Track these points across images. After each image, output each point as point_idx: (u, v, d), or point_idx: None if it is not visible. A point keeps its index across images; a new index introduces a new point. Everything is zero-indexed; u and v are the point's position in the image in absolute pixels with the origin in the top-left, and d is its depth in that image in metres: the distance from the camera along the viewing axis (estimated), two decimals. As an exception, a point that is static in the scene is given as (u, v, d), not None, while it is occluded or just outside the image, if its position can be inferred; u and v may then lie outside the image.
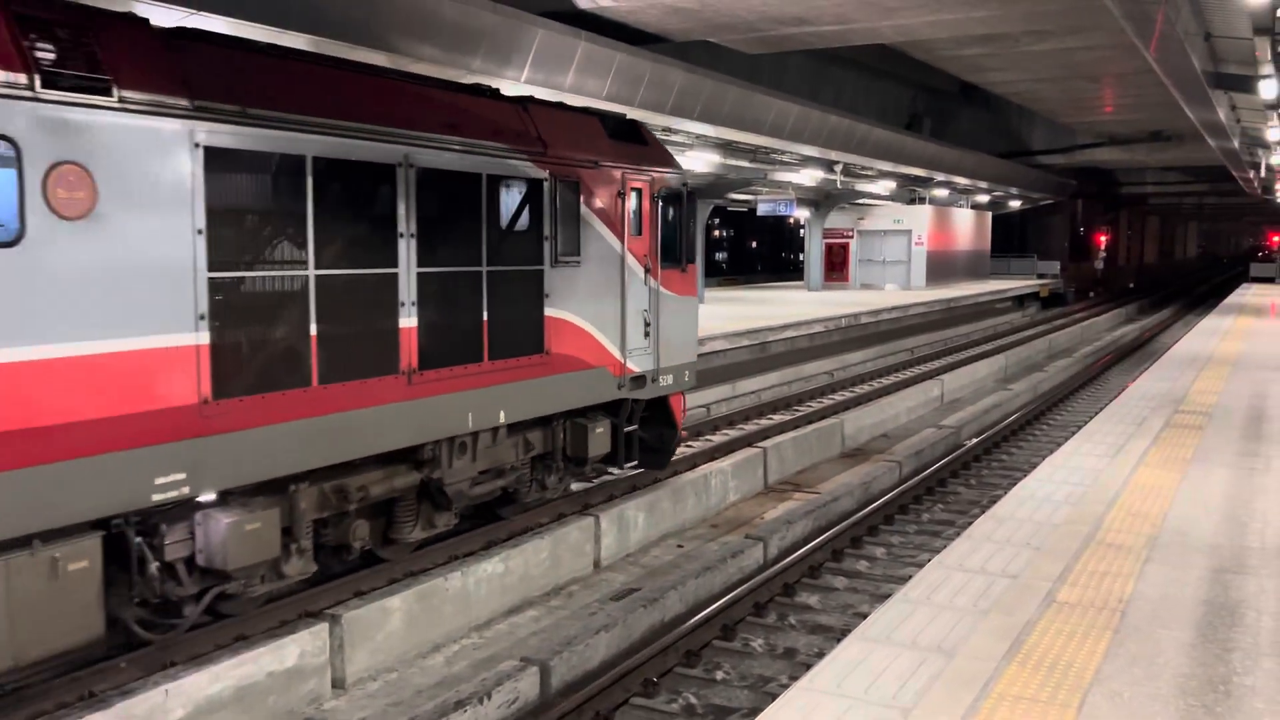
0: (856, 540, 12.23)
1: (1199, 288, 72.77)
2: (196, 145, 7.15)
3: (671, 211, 12.35)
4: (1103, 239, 66.30)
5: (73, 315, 6.50)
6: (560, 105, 11.62)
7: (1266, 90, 19.22)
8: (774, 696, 8.11)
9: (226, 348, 7.38)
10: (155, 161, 6.94)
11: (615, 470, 12.23)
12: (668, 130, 22.70)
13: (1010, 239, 63.82)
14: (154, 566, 7.30)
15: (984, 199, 52.33)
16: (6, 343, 6.17)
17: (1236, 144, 33.26)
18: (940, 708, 5.21)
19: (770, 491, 14.60)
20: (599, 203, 11.18)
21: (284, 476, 7.98)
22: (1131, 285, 68.86)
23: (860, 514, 12.83)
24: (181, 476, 7.14)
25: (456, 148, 9.30)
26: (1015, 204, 56.75)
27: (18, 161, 6.25)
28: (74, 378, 6.51)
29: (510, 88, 13.62)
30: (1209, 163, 48.77)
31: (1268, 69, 18.18)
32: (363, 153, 8.38)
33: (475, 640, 9.18)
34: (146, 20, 7.34)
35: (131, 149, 6.80)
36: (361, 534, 9.18)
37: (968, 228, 51.79)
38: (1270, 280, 57.52)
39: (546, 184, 10.41)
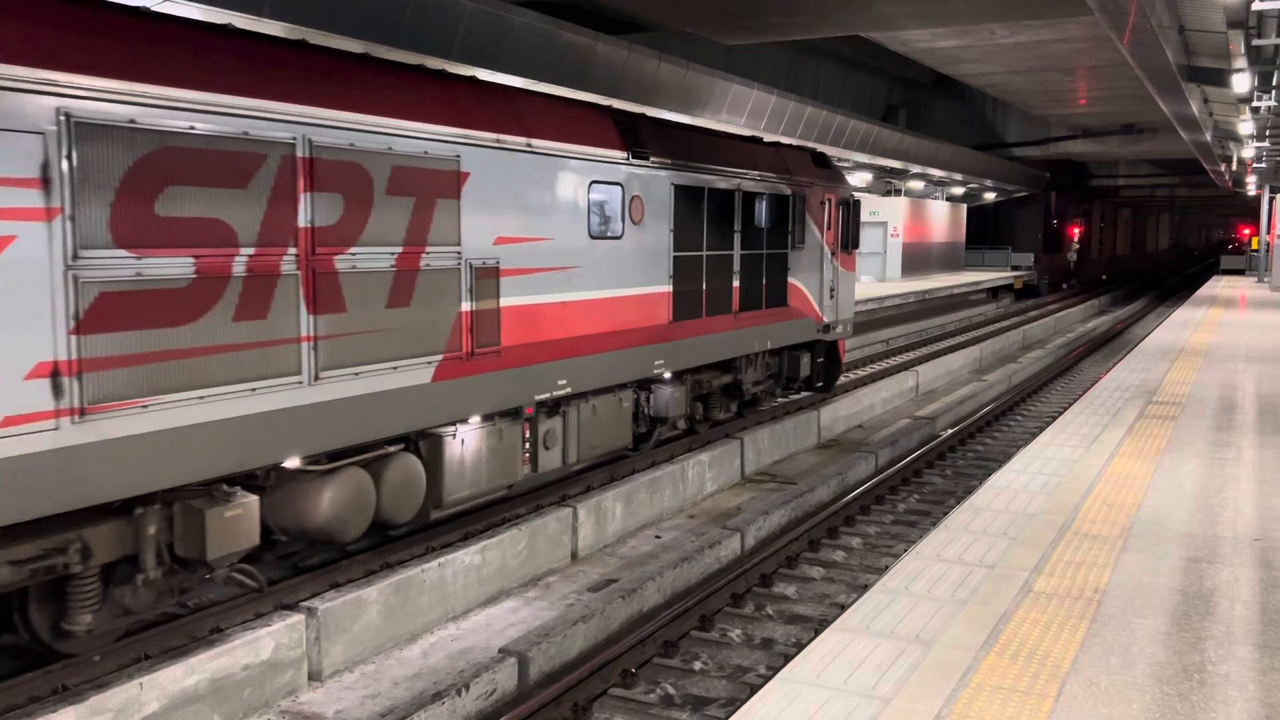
0: (833, 531, 12.27)
1: (1171, 280, 73.44)
2: (671, 184, 12.97)
3: (843, 213, 17.81)
4: (1076, 231, 66.74)
5: (635, 274, 12.35)
6: (792, 145, 17.87)
7: (1239, 84, 19.34)
8: (752, 686, 8.14)
9: (678, 293, 13.22)
10: (661, 192, 12.82)
11: (798, 393, 18.26)
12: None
13: (984, 231, 64.15)
14: (646, 407, 13.44)
15: (959, 191, 52.59)
16: (618, 287, 12.02)
17: (1209, 137, 33.51)
18: (920, 697, 5.23)
19: (747, 482, 14.63)
20: (811, 208, 16.73)
21: (691, 368, 13.86)
22: (1104, 277, 69.38)
23: (837, 505, 12.88)
24: (662, 362, 12.97)
25: (756, 177, 14.99)
26: (990, 196, 57.05)
27: (622, 195, 12.02)
28: (635, 305, 12.34)
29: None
30: (1181, 156, 49.20)
31: (1241, 63, 18.29)
32: (716, 183, 14.02)
33: (452, 631, 9.15)
34: (654, 119, 13.81)
35: (653, 187, 12.64)
36: (698, 411, 14.78)
37: (942, 220, 52.03)
38: (1241, 272, 58.09)
39: (791, 197, 16.01)
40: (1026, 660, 5.68)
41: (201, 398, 7.31)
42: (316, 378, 8.14)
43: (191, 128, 7.21)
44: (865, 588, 10.28)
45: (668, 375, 13.21)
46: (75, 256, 6.52)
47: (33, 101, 6.27)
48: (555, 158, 10.87)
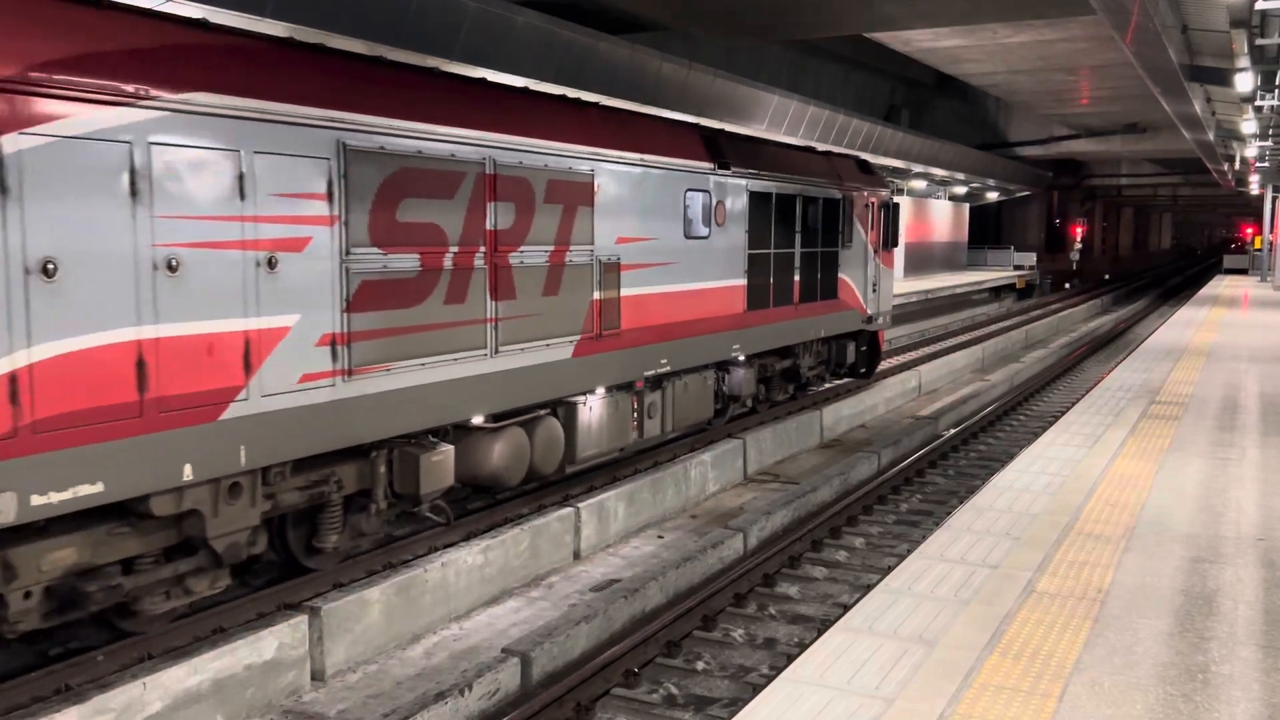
0: (836, 530, 12.27)
1: (1173, 279, 73.34)
2: (746, 190, 14.75)
3: (884, 215, 19.54)
4: (1078, 230, 66.67)
5: (718, 269, 14.08)
6: (842, 154, 19.48)
7: (1242, 83, 19.31)
8: (755, 686, 8.13)
9: (751, 286, 14.94)
10: (738, 198, 14.55)
11: (844, 379, 20.01)
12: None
13: (986, 230, 64.11)
14: (723, 385, 15.15)
15: (961, 191, 52.54)
16: (705, 280, 13.73)
17: (1211, 136, 33.47)
18: (923, 698, 5.23)
19: (750, 481, 14.62)
20: (857, 210, 18.39)
21: (760, 352, 15.69)
22: (1107, 276, 69.30)
23: (839, 504, 12.87)
24: (738, 346, 14.71)
25: (813, 183, 16.73)
26: (992, 196, 57.00)
27: (710, 200, 13.81)
28: (718, 296, 14.11)
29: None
30: (1184, 155, 49.16)
31: (1244, 62, 18.26)
32: (782, 189, 15.71)
33: (455, 631, 9.15)
34: (731, 133, 15.79)
35: (732, 193, 14.40)
36: (761, 392, 16.41)
37: (945, 219, 52.01)
38: (1243, 272, 58.02)
39: (841, 201, 17.69)
40: (1030, 660, 5.68)
41: (423, 364, 9.19)
42: (496, 351, 10.10)
43: (419, 151, 9.06)
44: (868, 588, 10.28)
45: (741, 358, 15.15)
46: (347, 253, 8.41)
47: (323, 134, 8.14)
48: (660, 170, 12.75)
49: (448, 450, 9.61)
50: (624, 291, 12.06)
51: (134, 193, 6.80)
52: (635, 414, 12.74)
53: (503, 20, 16.57)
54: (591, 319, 11.49)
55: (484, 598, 9.72)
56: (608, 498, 11.58)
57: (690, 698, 8.15)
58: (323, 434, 8.24)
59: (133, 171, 6.79)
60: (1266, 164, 38.30)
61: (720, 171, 14.02)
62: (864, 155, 27.73)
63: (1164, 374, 16.63)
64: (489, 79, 11.60)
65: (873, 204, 19.04)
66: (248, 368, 7.61)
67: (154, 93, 6.91)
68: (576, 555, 11.08)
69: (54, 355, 6.42)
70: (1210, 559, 7.43)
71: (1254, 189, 51.67)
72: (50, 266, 6.36)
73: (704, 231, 13.69)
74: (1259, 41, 17.07)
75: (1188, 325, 25.25)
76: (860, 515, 12.99)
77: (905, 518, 13.13)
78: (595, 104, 12.56)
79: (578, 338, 11.28)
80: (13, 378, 6.18)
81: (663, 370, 12.99)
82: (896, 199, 20.06)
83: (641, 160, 12.33)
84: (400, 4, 14.56)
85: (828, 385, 19.20)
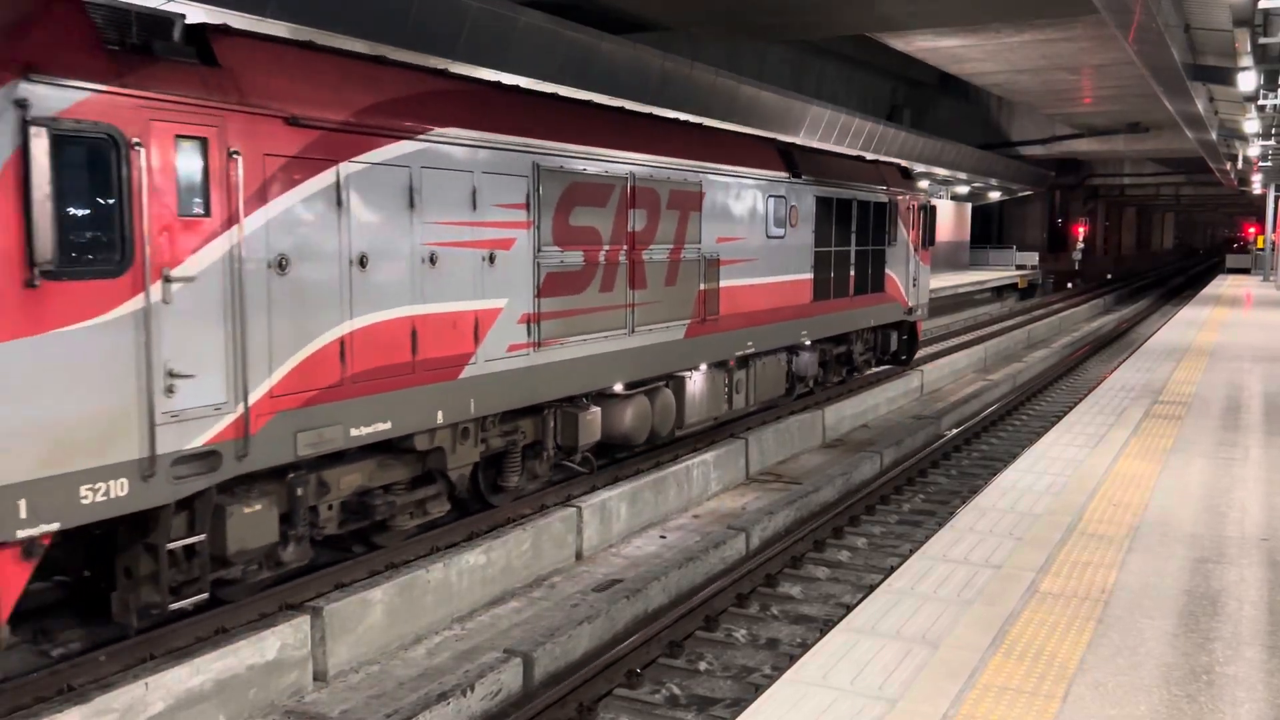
0: (838, 530, 12.26)
1: (1175, 279, 73.26)
2: (813, 196, 16.64)
3: (922, 216, 21.59)
4: (1080, 230, 66.59)
5: (791, 264, 16.07)
6: (888, 162, 21.59)
7: (1245, 82, 19.28)
8: (757, 687, 8.12)
9: (816, 280, 16.90)
10: (807, 202, 16.53)
11: (887, 365, 21.81)
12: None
13: (988, 230, 64.04)
14: (792, 367, 16.93)
15: (964, 190, 52.49)
16: (781, 274, 15.65)
17: (1214, 136, 33.44)
18: (926, 699, 5.22)
19: (752, 482, 14.61)
20: (900, 212, 20.29)
21: (822, 338, 17.57)
22: (1109, 276, 69.22)
23: (842, 504, 12.86)
24: (806, 332, 16.66)
25: (865, 188, 18.62)
26: (994, 195, 56.93)
27: (785, 205, 15.79)
28: (790, 288, 16.07)
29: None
30: (1186, 154, 49.10)
31: (1247, 61, 18.24)
32: (840, 194, 17.67)
33: (457, 632, 9.15)
34: (801, 146, 18.14)
35: (802, 199, 16.36)
36: (819, 375, 17.92)
37: (947, 219, 51.94)
38: (1245, 271, 57.95)
39: (887, 204, 19.59)
40: (1033, 661, 5.67)
41: (584, 340, 11.39)
42: (633, 331, 12.29)
43: (584, 169, 11.27)
44: (871, 588, 10.26)
45: (808, 343, 17.06)
46: (538, 250, 10.61)
47: (523, 158, 10.32)
48: (749, 180, 14.81)
49: (597, 411, 11.91)
50: (721, 283, 14.19)
51: (411, 204, 8.99)
52: (727, 388, 14.84)
53: (504, 20, 16.57)
54: (698, 306, 13.67)
55: (486, 598, 9.71)
56: (610, 498, 11.57)
57: (693, 698, 8.14)
58: (521, 392, 10.51)
59: (410, 189, 8.97)
60: (1269, 163, 38.24)
61: (793, 180, 16.08)
62: (873, 157, 27.77)
63: (1167, 374, 16.61)
64: (628, 108, 14.41)
65: (913, 206, 21.09)
66: (476, 338, 9.87)
67: (423, 129, 9.11)
68: (579, 555, 11.07)
69: (364, 325, 8.59)
70: (1214, 559, 7.41)
71: (1256, 188, 51.61)
72: (364, 259, 8.53)
73: (780, 232, 15.74)
74: (1262, 40, 17.03)
75: (1190, 325, 25.23)
76: (862, 515, 12.98)
77: (907, 518, 13.12)
78: (699, 124, 14.82)
79: (688, 321, 13.48)
80: (341, 342, 8.38)
81: (748, 351, 15.06)
82: (933, 202, 22.31)
83: (735, 172, 14.41)
84: (401, 4, 14.55)
85: (872, 370, 21.06)
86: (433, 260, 9.22)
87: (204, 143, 7.29)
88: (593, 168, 11.37)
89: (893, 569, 10.74)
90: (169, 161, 7.05)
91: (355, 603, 8.37)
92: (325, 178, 8.19)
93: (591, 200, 11.40)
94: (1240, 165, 42.25)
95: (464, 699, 7.48)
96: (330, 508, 8.92)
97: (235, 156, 7.48)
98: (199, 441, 7.31)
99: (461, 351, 9.66)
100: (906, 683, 5.39)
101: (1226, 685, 5.44)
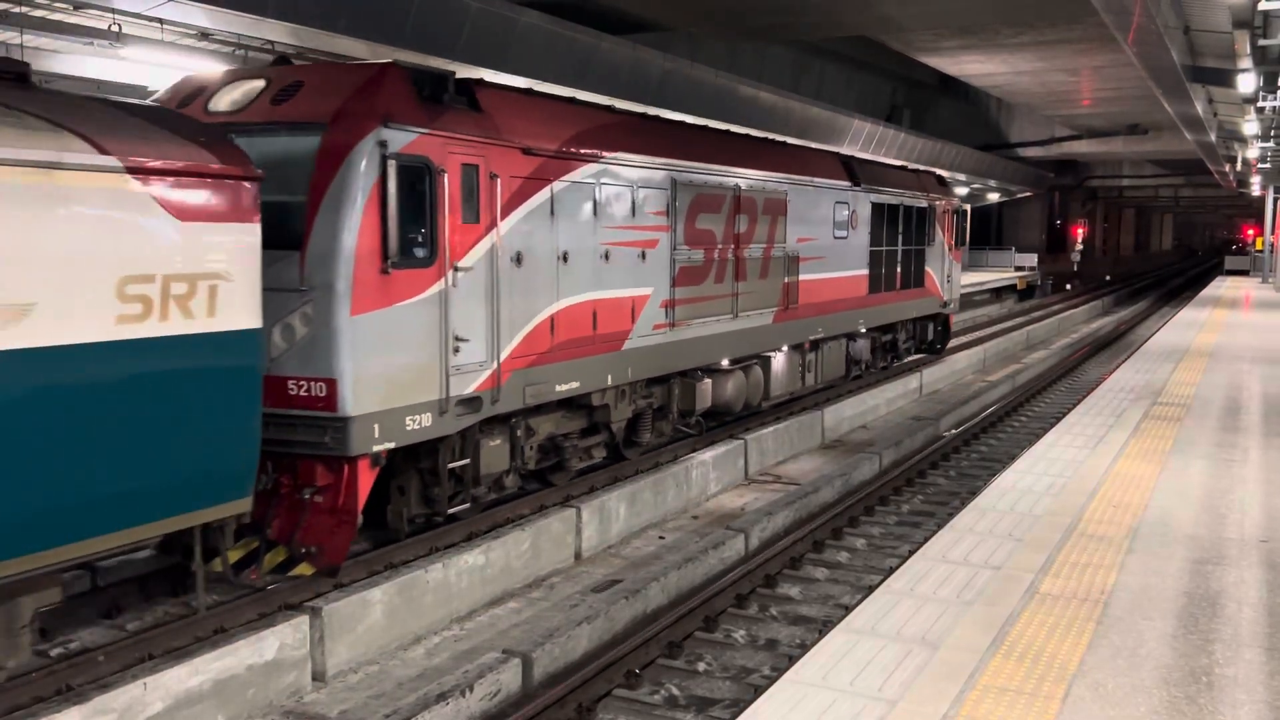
0: (837, 531, 12.25)
1: (1174, 280, 73.26)
2: (870, 202, 18.86)
3: (955, 219, 23.97)
4: (1079, 231, 66.61)
5: (852, 261, 18.39)
6: (927, 171, 24.26)
7: (1244, 84, 19.30)
8: (756, 688, 8.12)
9: (871, 275, 19.13)
10: (865, 208, 18.60)
11: (924, 354, 24.05)
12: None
13: (988, 231, 64.03)
14: (849, 351, 19.23)
15: (963, 191, 52.48)
16: (843, 270, 17.99)
17: (1213, 138, 33.47)
18: (926, 699, 5.22)
19: (751, 482, 14.60)
20: (938, 215, 22.62)
21: (874, 327, 19.80)
22: (1108, 277, 69.24)
23: (841, 505, 12.86)
24: (862, 321, 18.79)
25: (909, 194, 20.94)
26: (993, 196, 56.94)
27: (848, 210, 18.08)
28: (851, 283, 18.45)
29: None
30: (1185, 156, 49.11)
31: (1246, 63, 18.26)
32: (890, 200, 19.86)
33: (456, 632, 9.14)
34: (861, 158, 20.17)
35: (861, 204, 18.44)
36: (870, 360, 20.08)
37: (946, 220, 51.83)
38: (1244, 273, 57.97)
39: (927, 208, 21.94)
40: (1033, 662, 5.67)
41: (703, 322, 13.77)
42: (736, 316, 14.59)
43: (706, 181, 13.66)
44: (870, 589, 10.25)
45: (863, 331, 19.27)
46: (674, 248, 12.99)
47: (665, 174, 12.81)
48: (822, 188, 17.13)
49: (709, 382, 14.13)
50: (800, 277, 16.46)
51: (595, 213, 11.49)
52: (801, 368, 17.11)
53: (505, 21, 16.57)
54: (782, 296, 15.96)
55: (485, 598, 9.71)
56: (609, 498, 11.56)
57: (692, 699, 8.14)
58: (661, 363, 12.96)
59: (594, 201, 11.47)
60: (1268, 165, 38.27)
61: (854, 188, 18.36)
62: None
63: (1166, 375, 16.62)
64: (733, 130, 17.86)
65: (947, 210, 23.55)
66: (633, 318, 12.31)
67: (602, 154, 11.59)
68: (578, 556, 11.06)
69: (565, 306, 11.02)
70: (1214, 560, 7.41)
71: (1255, 190, 51.63)
72: (566, 256, 10.99)
73: (844, 233, 18.00)
74: (1261, 42, 17.04)
75: (1189, 326, 25.24)
76: (862, 516, 12.98)
77: (907, 519, 13.12)
78: (784, 142, 17.52)
79: (775, 309, 15.78)
80: (551, 319, 10.80)
81: (818, 336, 17.39)
82: (965, 206, 24.80)
83: (811, 182, 16.72)
84: (402, 5, 14.54)
85: (912, 358, 23.45)
86: (607, 257, 11.71)
87: (476, 169, 9.67)
88: (712, 181, 13.82)
89: (892, 570, 10.72)
90: (457, 183, 9.41)
91: (354, 603, 8.36)
92: (544, 194, 10.61)
93: (710, 208, 13.83)
94: (1239, 167, 42.28)
95: (463, 699, 7.47)
96: (532, 448, 11.22)
97: (495, 178, 9.88)
98: (470, 389, 9.70)
99: (624, 329, 12.15)
100: (906, 684, 5.39)
101: (1226, 687, 5.44)
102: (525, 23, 16.99)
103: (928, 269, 22.22)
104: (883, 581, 7.15)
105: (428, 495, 9.93)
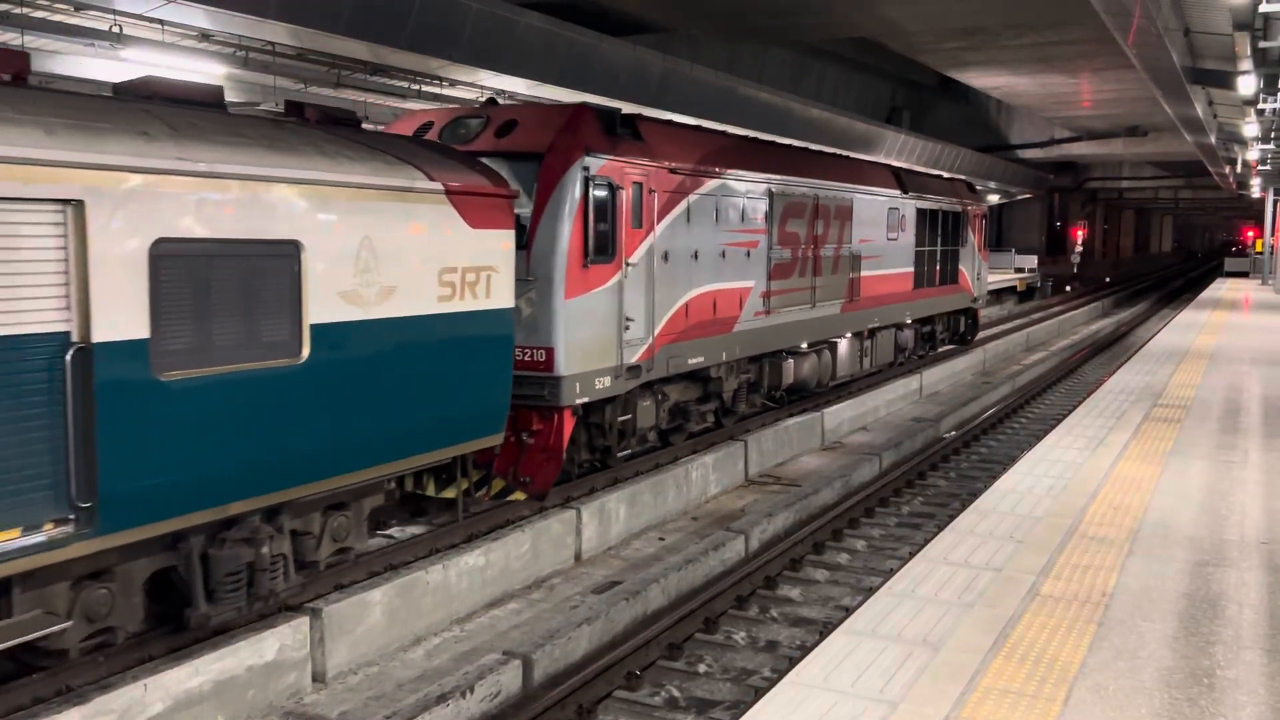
0: (837, 533, 12.24)
1: (1174, 282, 73.25)
2: (915, 207, 21.63)
3: (984, 222, 26.61)
4: (1079, 233, 66.60)
5: (900, 260, 21.01)
6: (960, 179, 27.68)
7: (1245, 86, 19.31)
8: (756, 689, 8.11)
9: (915, 272, 21.74)
10: (911, 212, 21.34)
11: (955, 344, 26.79)
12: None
13: (987, 232, 63.95)
14: (897, 340, 21.74)
15: (963, 193, 52.43)
16: (894, 268, 20.61)
17: (1213, 139, 33.47)
18: (928, 701, 5.21)
19: (751, 484, 14.60)
20: (969, 218, 25.18)
21: (917, 319, 22.55)
22: (1108, 279, 69.22)
23: (841, 507, 12.85)
24: (908, 314, 21.77)
25: (945, 200, 23.28)
26: (993, 198, 56.90)
27: (899, 214, 20.76)
28: (899, 279, 21.01)
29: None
30: (1185, 158, 49.11)
31: (1246, 65, 18.26)
32: (930, 205, 22.17)
33: (456, 633, 9.13)
34: (907, 169, 24.26)
35: (908, 210, 21.18)
36: (912, 349, 22.87)
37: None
38: (1244, 275, 57.97)
39: (961, 212, 24.46)
40: (1034, 664, 5.66)
41: (790, 310, 16.08)
42: (813, 306, 16.88)
43: (794, 191, 15.99)
44: (870, 590, 10.25)
45: (909, 322, 21.81)
46: (770, 248, 15.30)
47: (765, 186, 15.12)
48: (879, 196, 19.51)
49: (791, 361, 16.53)
50: (862, 273, 18.79)
51: (716, 220, 13.84)
52: (859, 353, 19.48)
53: (504, 22, 16.57)
54: (848, 289, 18.29)
55: (485, 599, 9.70)
56: (609, 499, 11.56)
57: (692, 700, 8.13)
58: (759, 344, 15.29)
59: (716, 209, 13.82)
60: (1268, 167, 38.28)
61: (903, 195, 20.79)
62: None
63: (1166, 377, 16.61)
64: (811, 148, 20.77)
65: (977, 215, 26.14)
66: (740, 306, 14.60)
67: (721, 171, 13.96)
68: (578, 557, 11.06)
69: (695, 295, 13.40)
70: (1214, 562, 7.41)
71: (1255, 192, 51.63)
72: (696, 254, 13.36)
73: (894, 235, 20.39)
74: (1261, 44, 17.05)
75: (1189, 328, 25.23)
76: (862, 518, 12.97)
77: (907, 520, 13.11)
78: (848, 156, 20.28)
79: (842, 300, 18.08)
80: (686, 305, 13.13)
81: (874, 325, 19.80)
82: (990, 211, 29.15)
83: (870, 190, 19.09)
84: (402, 6, 14.54)
85: (945, 348, 25.91)
86: (724, 255, 14.05)
87: (642, 185, 12.20)
88: (798, 191, 16.14)
89: (893, 571, 10.72)
90: (630, 197, 11.94)
91: (354, 604, 8.36)
92: (683, 205, 13.03)
93: (796, 214, 16.15)
94: (1239, 169, 42.28)
95: (463, 701, 7.46)
96: (665, 411, 13.57)
97: (653, 193, 12.40)
98: (635, 359, 12.12)
99: (734, 315, 14.46)
100: (908, 685, 5.38)
101: (1227, 688, 5.43)
102: (525, 24, 16.98)
103: (961, 267, 24.83)
104: (884, 583, 7.14)
105: (591, 444, 12.26)
